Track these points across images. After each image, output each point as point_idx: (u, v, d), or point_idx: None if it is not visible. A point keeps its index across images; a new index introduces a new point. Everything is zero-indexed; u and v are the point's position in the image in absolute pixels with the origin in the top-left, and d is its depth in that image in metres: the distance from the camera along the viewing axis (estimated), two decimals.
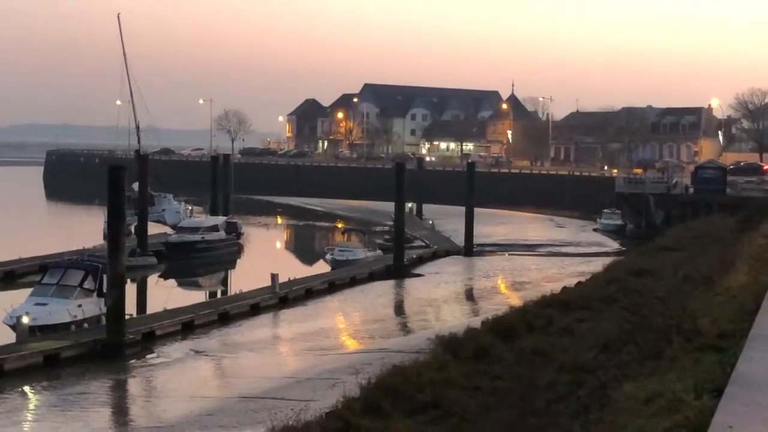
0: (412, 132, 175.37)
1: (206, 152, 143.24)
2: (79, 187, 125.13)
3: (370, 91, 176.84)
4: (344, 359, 33.99)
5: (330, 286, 51.04)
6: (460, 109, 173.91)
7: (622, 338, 16.77)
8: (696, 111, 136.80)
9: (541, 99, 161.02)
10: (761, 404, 7.63)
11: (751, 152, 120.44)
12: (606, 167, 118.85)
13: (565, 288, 32.62)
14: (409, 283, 54.97)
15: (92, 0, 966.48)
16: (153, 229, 66.52)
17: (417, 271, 58.85)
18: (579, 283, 34.36)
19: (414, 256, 61.60)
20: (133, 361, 34.63)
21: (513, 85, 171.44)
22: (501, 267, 62.91)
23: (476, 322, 26.66)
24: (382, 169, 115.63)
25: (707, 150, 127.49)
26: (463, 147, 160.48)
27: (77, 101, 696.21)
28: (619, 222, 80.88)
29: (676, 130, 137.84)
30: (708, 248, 33.12)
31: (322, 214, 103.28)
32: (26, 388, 30.77)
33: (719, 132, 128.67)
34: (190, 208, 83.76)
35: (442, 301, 49.57)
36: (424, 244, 69.27)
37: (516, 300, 42.81)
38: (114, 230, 37.69)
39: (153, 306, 44.43)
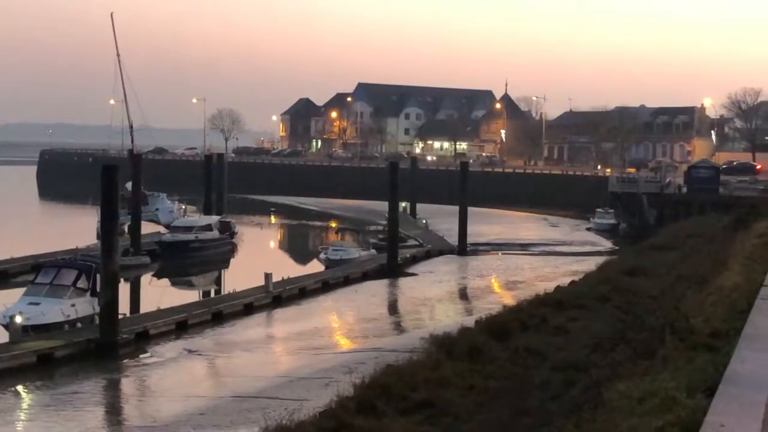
0: (406, 131, 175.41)
1: (200, 151, 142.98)
2: (72, 186, 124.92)
3: (364, 90, 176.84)
4: (338, 358, 34.01)
5: (324, 286, 51.04)
6: (454, 108, 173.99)
7: (616, 337, 16.82)
8: (689, 111, 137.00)
9: (534, 98, 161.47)
10: (753, 403, 7.66)
11: (744, 152, 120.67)
12: (599, 167, 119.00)
13: (558, 287, 32.66)
14: (403, 282, 54.98)
15: None
16: (146, 228, 66.43)
17: (411, 270, 58.88)
18: (572, 282, 34.43)
19: (408, 256, 61.64)
20: (126, 360, 34.58)
21: (506, 85, 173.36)
22: (494, 266, 62.96)
23: (470, 322, 26.71)
24: (376, 168, 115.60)
25: (700, 149, 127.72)
26: (457, 146, 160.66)
27: (71, 100, 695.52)
28: (612, 221, 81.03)
29: (669, 129, 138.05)
30: (701, 248, 33.21)
31: (316, 213, 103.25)
32: (19, 388, 30.70)
33: (712, 132, 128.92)
34: (183, 207, 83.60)
35: (436, 300, 49.59)
36: (417, 243, 69.33)
37: (509, 299, 42.85)
38: (107, 229, 37.67)
39: (146, 305, 44.40)
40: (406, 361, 19.15)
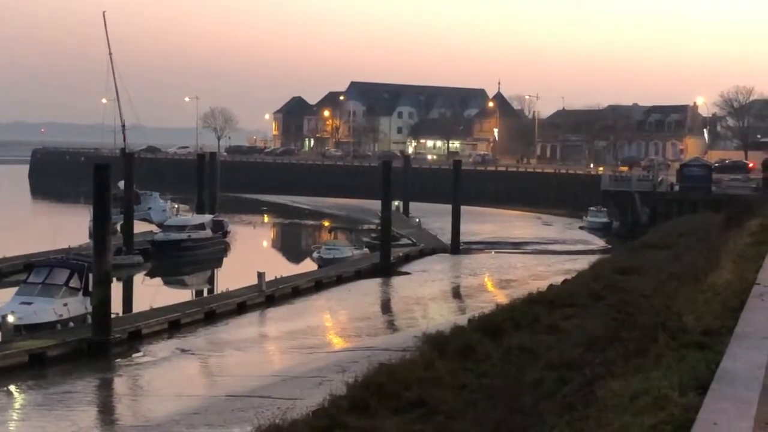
0: (399, 130, 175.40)
1: (192, 150, 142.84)
2: (64, 185, 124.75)
3: (357, 89, 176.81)
4: (331, 357, 34.02)
5: (317, 285, 51.05)
6: (447, 107, 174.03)
7: (608, 336, 16.82)
8: (681, 109, 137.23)
9: (527, 97, 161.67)
10: (745, 401, 7.67)
11: (737, 150, 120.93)
12: (592, 165, 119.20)
13: (551, 285, 32.64)
14: (396, 281, 55.01)
15: None
16: (139, 227, 66.35)
17: (404, 269, 58.92)
18: (565, 281, 34.41)
19: (401, 254, 61.68)
20: (119, 360, 34.57)
21: (499, 84, 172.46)
22: (487, 265, 63.04)
23: (463, 320, 26.67)
24: (369, 167, 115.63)
25: (692, 148, 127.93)
26: (450, 145, 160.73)
27: (63, 99, 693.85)
28: (604, 220, 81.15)
29: (661, 128, 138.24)
30: (693, 246, 33.22)
31: (309, 212, 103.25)
32: (12, 388, 30.68)
33: (704, 130, 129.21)
34: (176, 206, 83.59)
35: (429, 299, 49.64)
36: (410, 242, 69.37)
37: (502, 298, 42.88)
38: (100, 229, 37.64)
39: (139, 305, 44.37)
40: (399, 359, 19.12)
